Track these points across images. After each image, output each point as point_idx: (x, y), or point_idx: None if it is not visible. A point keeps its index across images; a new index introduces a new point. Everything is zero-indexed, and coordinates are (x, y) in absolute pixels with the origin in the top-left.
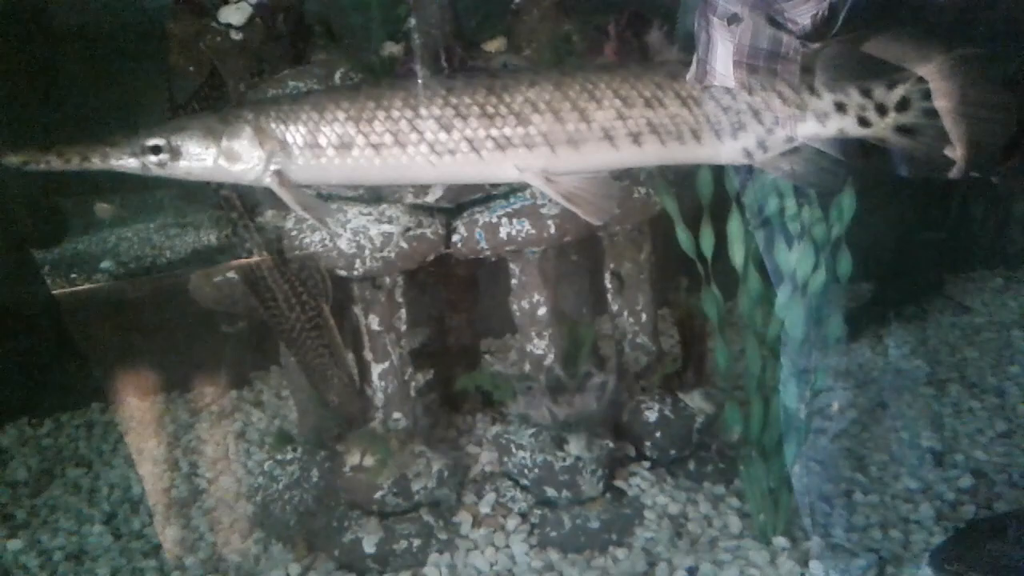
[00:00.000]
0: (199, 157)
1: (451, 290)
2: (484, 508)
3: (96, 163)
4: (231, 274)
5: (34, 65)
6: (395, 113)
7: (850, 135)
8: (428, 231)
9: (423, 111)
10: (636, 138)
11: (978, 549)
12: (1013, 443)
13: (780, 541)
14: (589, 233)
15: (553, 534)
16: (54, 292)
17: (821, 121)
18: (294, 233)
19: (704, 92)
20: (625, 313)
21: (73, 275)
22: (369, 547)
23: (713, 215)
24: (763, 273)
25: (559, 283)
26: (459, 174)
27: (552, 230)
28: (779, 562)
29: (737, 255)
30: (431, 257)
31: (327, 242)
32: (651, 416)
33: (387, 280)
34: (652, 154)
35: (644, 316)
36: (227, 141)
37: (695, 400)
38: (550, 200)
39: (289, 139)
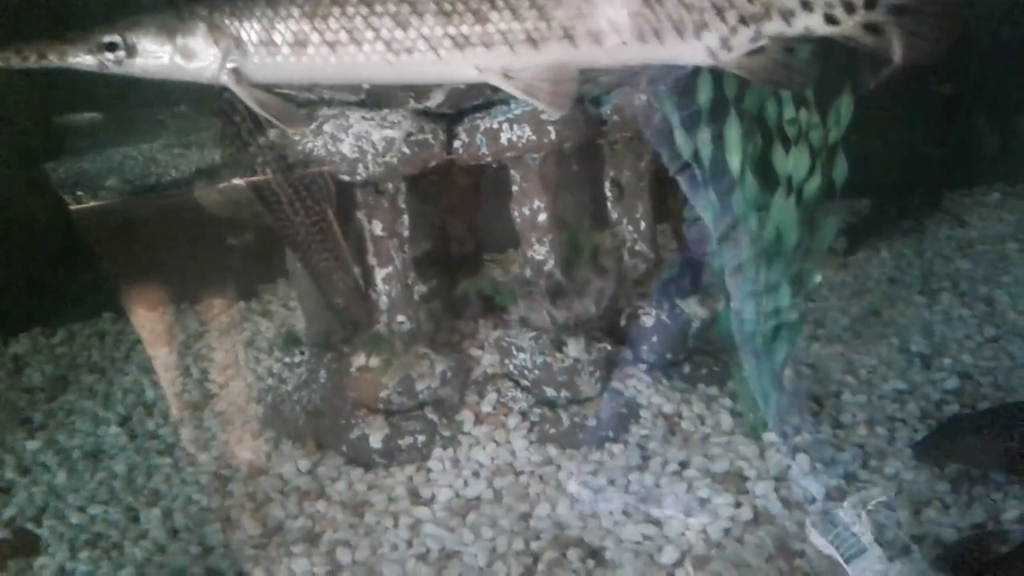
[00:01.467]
0: (155, 55)
1: (453, 199)
2: (486, 407)
3: (53, 60)
4: (237, 180)
5: None
6: (350, 10)
7: (817, 34)
8: (430, 136)
9: (378, 8)
10: (597, 37)
11: (957, 441)
12: (1000, 347)
13: (770, 436)
14: (589, 140)
15: (552, 431)
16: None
17: (787, 19)
18: (298, 137)
19: None
20: (625, 221)
21: (79, 192)
22: (375, 443)
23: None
24: (760, 178)
25: (560, 190)
26: (418, 74)
27: (552, 136)
28: (767, 455)
29: (733, 160)
30: (433, 163)
31: (330, 147)
32: (648, 321)
33: (390, 186)
34: (614, 54)
35: (643, 224)
36: (182, 39)
37: (691, 306)
38: None
39: (244, 36)
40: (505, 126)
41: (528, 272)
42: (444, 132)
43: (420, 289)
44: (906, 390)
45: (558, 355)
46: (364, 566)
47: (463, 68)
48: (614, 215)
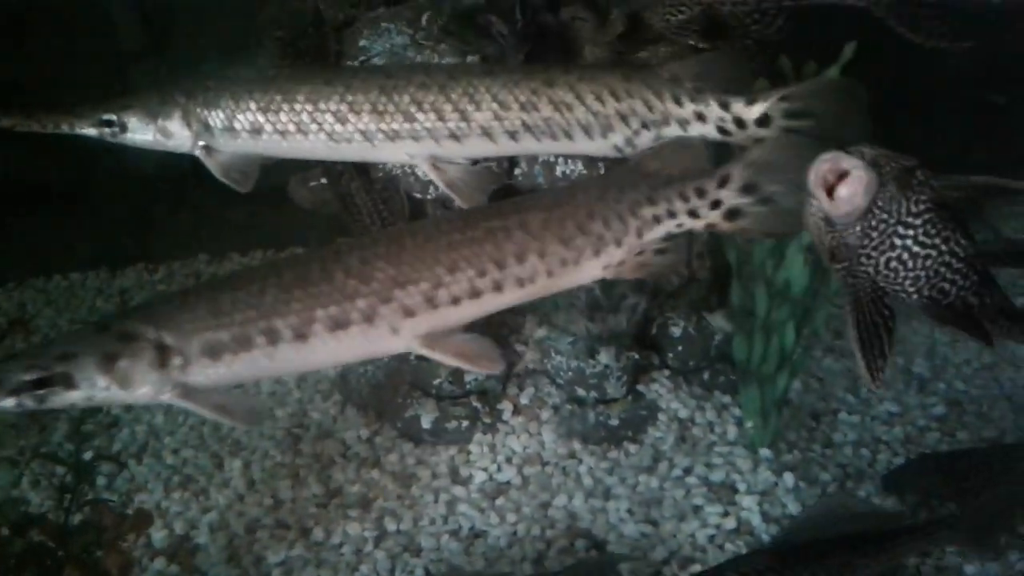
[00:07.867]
0: (141, 132)
1: None
2: (524, 400)
3: (64, 129)
4: (324, 180)
5: None
6: (297, 107)
7: (712, 140)
8: (493, 165)
9: (322, 106)
10: (513, 136)
11: (921, 478)
12: (993, 375)
13: (765, 452)
14: None
15: (579, 427)
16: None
17: (683, 127)
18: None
19: (576, 100)
20: None
21: None
22: (426, 423)
23: None
24: None
25: None
26: (357, 156)
27: (602, 171)
28: (759, 471)
29: None
30: (495, 187)
31: (407, 169)
32: (676, 332)
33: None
34: (530, 147)
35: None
36: (162, 121)
37: (717, 320)
38: None
39: (211, 123)
40: (560, 160)
41: None
42: (507, 161)
43: None
44: (897, 413)
45: (591, 361)
46: (406, 535)
47: (396, 155)
48: None
